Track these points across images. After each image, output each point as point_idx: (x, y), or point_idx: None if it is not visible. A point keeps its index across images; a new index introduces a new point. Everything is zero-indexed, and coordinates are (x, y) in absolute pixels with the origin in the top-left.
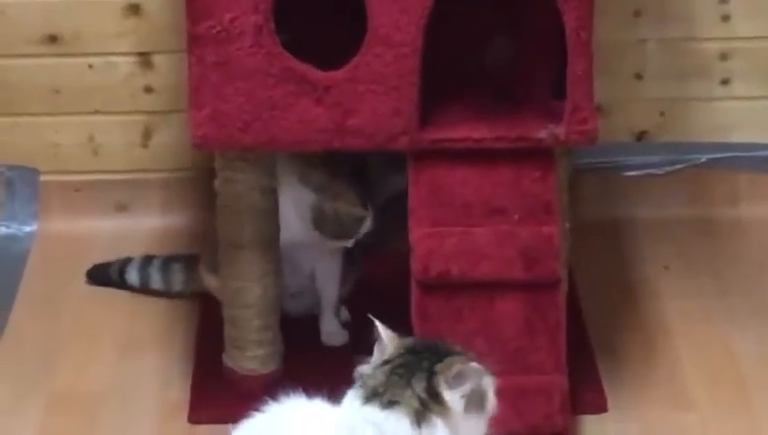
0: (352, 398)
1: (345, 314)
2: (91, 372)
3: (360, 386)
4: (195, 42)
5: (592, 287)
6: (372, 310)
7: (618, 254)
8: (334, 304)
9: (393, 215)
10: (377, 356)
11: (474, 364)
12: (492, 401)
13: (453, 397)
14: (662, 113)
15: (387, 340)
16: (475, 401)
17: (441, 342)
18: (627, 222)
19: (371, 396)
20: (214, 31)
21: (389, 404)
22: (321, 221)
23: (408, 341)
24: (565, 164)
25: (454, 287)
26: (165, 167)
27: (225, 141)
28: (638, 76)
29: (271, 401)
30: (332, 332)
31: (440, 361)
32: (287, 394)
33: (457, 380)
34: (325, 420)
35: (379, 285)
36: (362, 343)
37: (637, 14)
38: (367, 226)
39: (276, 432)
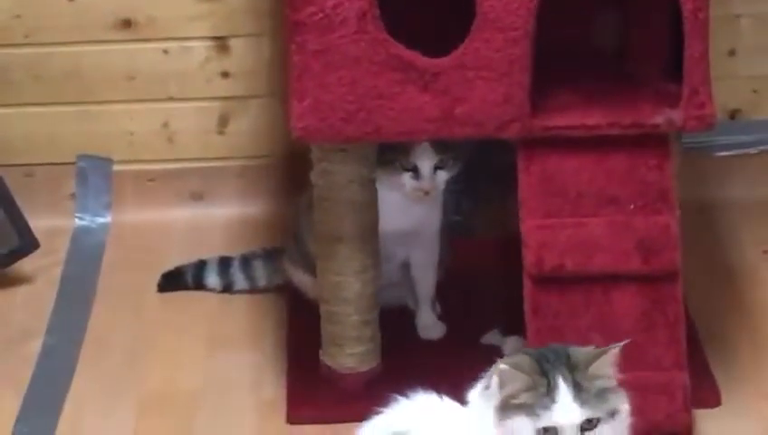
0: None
1: (437, 306)
2: (181, 371)
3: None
4: (296, 29)
5: (691, 274)
6: (463, 301)
7: (713, 238)
8: (431, 295)
9: (483, 198)
10: None
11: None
12: None
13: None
14: (755, 91)
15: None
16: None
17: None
18: (720, 204)
19: None
20: (316, 18)
21: None
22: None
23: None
24: (676, 149)
25: (568, 281)
26: (242, 154)
27: (327, 133)
28: (732, 53)
29: (398, 399)
30: (430, 325)
31: None
32: (409, 392)
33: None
34: (454, 416)
35: (467, 275)
36: (460, 336)
37: None
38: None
39: (408, 430)
